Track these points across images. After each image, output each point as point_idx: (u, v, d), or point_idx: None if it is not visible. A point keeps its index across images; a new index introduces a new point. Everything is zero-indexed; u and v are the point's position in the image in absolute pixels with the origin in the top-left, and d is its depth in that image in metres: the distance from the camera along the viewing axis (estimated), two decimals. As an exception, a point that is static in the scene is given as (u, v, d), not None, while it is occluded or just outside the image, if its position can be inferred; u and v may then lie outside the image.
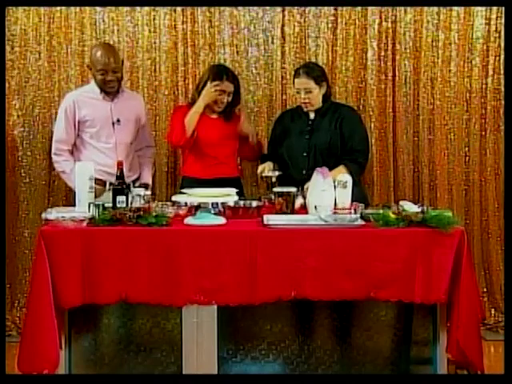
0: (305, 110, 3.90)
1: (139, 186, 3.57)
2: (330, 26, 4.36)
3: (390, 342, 3.24)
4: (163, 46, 4.36)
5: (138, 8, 4.34)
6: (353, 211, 3.19)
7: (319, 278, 2.99)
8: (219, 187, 3.36)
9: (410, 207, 3.15)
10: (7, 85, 4.31)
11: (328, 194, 3.28)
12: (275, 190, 3.48)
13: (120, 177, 3.21)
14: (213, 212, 3.21)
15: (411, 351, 3.26)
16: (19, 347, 2.98)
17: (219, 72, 3.92)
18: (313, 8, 4.35)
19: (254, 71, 4.42)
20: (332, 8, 4.35)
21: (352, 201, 3.31)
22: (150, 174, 4.10)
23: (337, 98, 4.27)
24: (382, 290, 3.01)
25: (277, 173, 3.75)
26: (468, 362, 3.06)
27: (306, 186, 3.46)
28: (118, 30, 4.35)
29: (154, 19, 4.36)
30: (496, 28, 4.35)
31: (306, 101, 3.84)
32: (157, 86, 4.39)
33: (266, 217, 3.16)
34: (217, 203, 3.26)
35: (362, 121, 4.11)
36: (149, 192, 3.45)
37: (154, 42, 4.37)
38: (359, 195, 3.54)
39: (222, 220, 3.16)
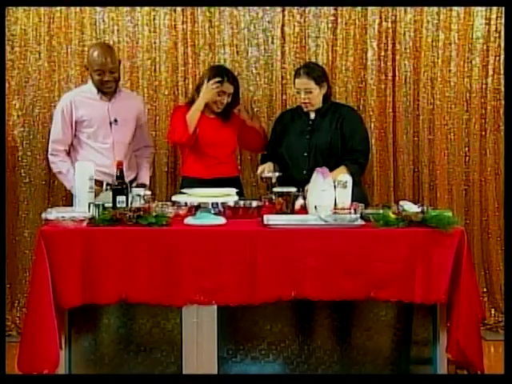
0: (305, 110, 3.90)
1: (136, 186, 3.57)
2: (329, 25, 4.36)
3: (389, 342, 3.24)
4: (163, 45, 4.35)
5: (138, 8, 4.33)
6: (353, 211, 3.19)
7: (319, 277, 3.00)
8: (219, 187, 3.36)
9: (410, 207, 3.15)
10: (7, 85, 4.31)
11: (328, 194, 3.28)
12: (275, 190, 3.49)
13: (120, 177, 3.21)
14: (213, 212, 3.21)
15: (411, 351, 3.26)
16: (19, 347, 2.98)
17: (219, 73, 3.93)
18: (313, 8, 4.35)
19: (254, 71, 4.42)
20: (332, 8, 4.35)
21: (352, 201, 3.31)
22: (148, 174, 4.10)
23: (337, 98, 4.27)
24: (382, 289, 3.01)
25: (277, 174, 3.75)
26: (468, 361, 3.06)
27: (306, 188, 3.46)
28: (117, 30, 4.35)
29: (154, 19, 4.35)
30: (496, 28, 4.35)
31: (306, 101, 3.84)
32: (157, 86, 4.39)
33: (266, 217, 3.17)
34: (217, 203, 3.26)
35: (363, 121, 4.11)
36: (149, 192, 3.45)
37: (154, 42, 4.37)
38: (359, 195, 3.54)
39: (222, 220, 3.16)
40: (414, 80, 4.41)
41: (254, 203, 3.44)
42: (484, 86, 4.40)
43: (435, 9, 4.35)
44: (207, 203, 3.18)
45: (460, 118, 4.42)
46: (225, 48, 4.38)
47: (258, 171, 3.89)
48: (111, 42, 4.28)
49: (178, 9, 4.34)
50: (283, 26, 4.37)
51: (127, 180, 3.50)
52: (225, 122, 4.01)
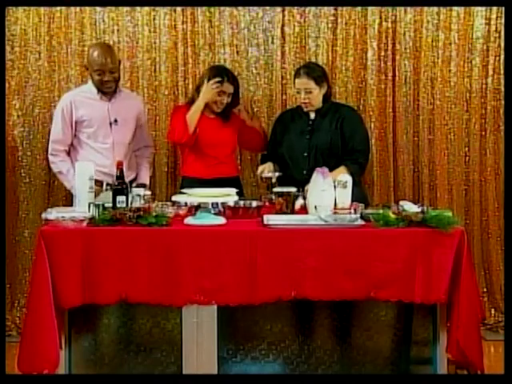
0: (305, 110, 3.90)
1: (136, 187, 3.57)
2: (330, 25, 4.36)
3: (389, 342, 3.24)
4: (163, 45, 4.35)
5: (138, 8, 4.33)
6: (353, 211, 3.19)
7: (319, 277, 3.00)
8: (219, 187, 3.36)
9: (410, 207, 3.15)
10: (7, 85, 4.31)
11: (328, 194, 3.28)
12: (275, 190, 3.49)
13: (120, 177, 3.21)
14: (213, 212, 3.21)
15: (411, 351, 3.26)
16: (19, 347, 2.98)
17: (219, 73, 3.93)
18: (313, 8, 4.35)
19: (254, 71, 4.42)
20: (332, 8, 4.35)
21: (352, 201, 3.31)
22: (148, 174, 4.09)
23: (337, 98, 4.27)
24: (382, 289, 3.01)
25: (277, 174, 3.75)
26: (468, 362, 3.06)
27: (306, 188, 3.46)
28: (118, 30, 4.35)
29: (154, 19, 4.35)
30: (496, 28, 4.35)
31: (306, 101, 3.84)
32: (157, 86, 4.39)
33: (266, 217, 3.17)
34: (217, 203, 3.26)
35: (363, 121, 4.11)
36: (149, 192, 3.45)
37: (154, 42, 4.36)
38: (359, 195, 3.54)
39: (222, 220, 3.16)
40: (414, 80, 4.41)
41: (254, 203, 3.44)
42: (484, 86, 4.40)
43: (435, 9, 4.35)
44: (207, 203, 3.18)
45: (460, 118, 4.42)
46: (225, 48, 4.38)
47: (258, 171, 3.89)
48: (111, 42, 4.28)
49: (178, 9, 4.34)
50: (283, 26, 4.37)
51: (127, 180, 3.50)
52: (225, 122, 4.01)
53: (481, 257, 4.45)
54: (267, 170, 3.82)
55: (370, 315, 3.20)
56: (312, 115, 3.91)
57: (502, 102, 4.31)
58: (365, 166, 3.93)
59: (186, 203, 3.30)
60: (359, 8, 4.34)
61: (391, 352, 3.25)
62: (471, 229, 4.39)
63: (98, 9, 4.33)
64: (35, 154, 4.34)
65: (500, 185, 4.37)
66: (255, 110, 4.34)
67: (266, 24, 4.39)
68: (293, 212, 3.39)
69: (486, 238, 4.46)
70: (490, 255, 4.44)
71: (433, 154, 4.43)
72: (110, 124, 3.87)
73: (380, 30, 4.37)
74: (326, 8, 4.35)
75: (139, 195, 3.30)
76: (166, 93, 4.37)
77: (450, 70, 4.39)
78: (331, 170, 3.51)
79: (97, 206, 3.12)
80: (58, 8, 4.29)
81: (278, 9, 4.35)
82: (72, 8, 4.30)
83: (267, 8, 4.36)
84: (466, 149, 4.45)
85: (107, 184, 3.42)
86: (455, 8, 4.34)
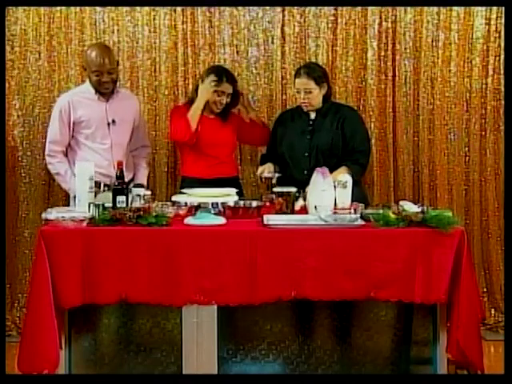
0: (304, 110, 3.90)
1: (134, 187, 3.56)
2: (330, 25, 4.36)
3: (390, 342, 3.24)
4: (163, 45, 4.35)
5: (138, 8, 4.33)
6: (353, 211, 3.19)
7: (319, 277, 3.00)
8: (219, 187, 3.36)
9: (410, 207, 3.15)
10: (7, 85, 4.31)
11: (328, 194, 3.27)
12: (275, 189, 3.48)
13: (120, 177, 3.22)
14: (213, 212, 3.21)
15: (411, 351, 3.26)
16: (19, 347, 2.98)
17: (219, 73, 3.93)
18: (313, 8, 4.35)
19: (254, 71, 4.42)
20: (332, 8, 4.35)
21: (352, 201, 3.31)
22: (145, 174, 4.08)
23: (337, 98, 4.27)
24: (382, 289, 3.01)
25: (277, 175, 3.75)
26: (468, 361, 3.06)
27: (306, 189, 3.45)
28: (118, 30, 4.34)
29: (154, 19, 4.35)
30: (496, 28, 4.35)
31: (306, 101, 3.84)
32: (157, 86, 4.38)
33: (266, 217, 3.17)
34: (217, 203, 3.26)
35: (363, 121, 4.11)
36: (149, 192, 3.45)
37: (154, 42, 4.36)
38: (359, 195, 3.54)
39: (222, 220, 3.16)
40: (414, 80, 4.41)
41: (254, 203, 3.44)
42: (484, 86, 4.40)
43: (435, 9, 4.35)
44: (207, 203, 3.18)
45: (460, 118, 4.42)
46: (225, 48, 4.38)
47: (258, 172, 3.89)
48: (111, 42, 4.28)
49: (178, 9, 4.34)
50: (283, 26, 4.37)
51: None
52: (224, 121, 4.02)
53: (481, 257, 4.45)
54: (267, 171, 3.82)
55: (370, 315, 3.21)
56: (312, 115, 3.91)
57: (502, 102, 4.31)
58: (365, 166, 3.93)
59: (186, 203, 3.30)
60: (359, 8, 4.34)
61: (391, 352, 3.25)
62: (471, 229, 4.39)
63: (98, 9, 4.33)
64: (35, 154, 4.34)
65: (500, 185, 4.37)
66: (255, 109, 4.34)
67: (266, 24, 4.39)
68: (293, 212, 3.39)
69: (485, 238, 4.46)
70: (490, 255, 4.44)
71: (433, 154, 4.42)
72: (108, 124, 3.86)
73: (380, 30, 4.37)
74: (326, 8, 4.34)
75: (139, 195, 3.30)
76: (166, 93, 4.37)
77: (450, 70, 4.39)
78: (332, 170, 3.51)
79: (97, 205, 3.12)
80: (58, 8, 4.29)
81: (278, 9, 4.35)
82: (72, 8, 4.29)
83: (267, 8, 4.36)
84: (466, 149, 4.45)
85: (105, 185, 3.41)
86: (455, 8, 4.34)
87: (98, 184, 3.50)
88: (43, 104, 4.33)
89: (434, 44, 4.38)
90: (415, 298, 3.02)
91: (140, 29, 4.35)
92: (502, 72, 4.34)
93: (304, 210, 3.40)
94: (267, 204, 3.47)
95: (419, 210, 3.10)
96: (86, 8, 4.31)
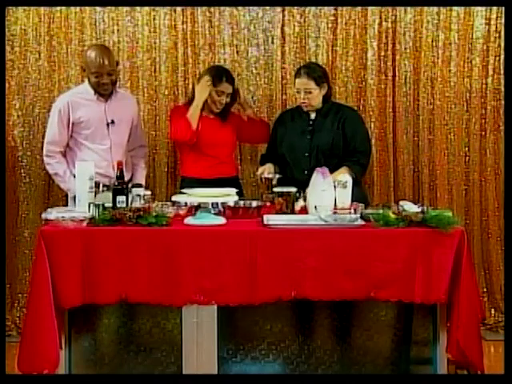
0: (304, 109, 3.90)
1: (132, 187, 3.56)
2: (330, 25, 4.36)
3: (390, 342, 3.24)
4: (163, 45, 4.35)
5: (138, 8, 4.33)
6: (353, 211, 3.19)
7: (319, 277, 3.00)
8: (219, 187, 3.36)
9: (410, 207, 3.16)
10: (7, 85, 4.31)
11: (328, 194, 3.27)
12: (275, 189, 3.48)
13: (120, 177, 3.22)
14: (213, 212, 3.21)
15: (411, 351, 3.26)
16: (19, 347, 2.98)
17: (218, 73, 3.93)
18: (313, 8, 4.35)
19: (254, 71, 4.41)
20: (332, 8, 4.34)
21: (352, 201, 3.31)
22: (144, 174, 4.08)
23: (337, 98, 4.27)
24: (382, 289, 3.01)
25: (277, 175, 3.75)
26: (468, 361, 3.06)
27: (307, 190, 3.45)
28: (118, 30, 4.34)
29: (154, 19, 4.35)
30: (496, 28, 4.35)
31: (306, 101, 3.84)
32: (157, 86, 4.38)
33: (266, 217, 3.17)
34: (217, 203, 3.26)
35: (364, 121, 4.11)
36: (149, 192, 3.45)
37: (154, 42, 4.36)
38: (359, 195, 3.54)
39: (222, 220, 3.16)
40: (414, 80, 4.41)
41: (254, 203, 3.44)
42: (484, 86, 4.40)
43: (435, 9, 4.35)
44: (207, 203, 3.18)
45: (460, 118, 4.42)
46: (225, 48, 4.38)
47: (258, 172, 3.88)
48: (111, 42, 4.28)
49: (178, 9, 4.34)
50: (283, 26, 4.37)
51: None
52: (223, 121, 4.02)
53: (481, 257, 4.45)
54: (267, 172, 3.82)
55: (369, 315, 3.21)
56: (312, 115, 3.91)
57: (502, 102, 4.31)
58: (366, 166, 3.94)
59: (186, 203, 3.30)
60: (359, 8, 4.34)
61: (391, 352, 3.25)
62: (471, 229, 4.39)
63: (98, 9, 4.33)
64: (35, 154, 4.33)
65: (500, 185, 4.37)
66: (255, 109, 4.34)
67: (266, 24, 4.39)
68: (293, 212, 3.39)
69: (485, 238, 4.46)
70: (490, 255, 4.44)
71: (433, 154, 4.42)
72: (107, 125, 3.86)
73: (380, 30, 4.37)
74: (326, 8, 4.34)
75: (139, 195, 3.30)
76: (166, 93, 4.37)
77: (450, 70, 4.39)
78: (332, 170, 3.51)
79: (97, 205, 3.12)
80: (58, 8, 4.29)
81: (278, 9, 4.35)
82: (72, 8, 4.29)
83: (267, 8, 4.36)
84: (466, 149, 4.45)
85: (104, 185, 3.41)
86: (455, 8, 4.34)
87: (96, 184, 3.51)
88: (43, 104, 4.33)
89: (434, 44, 4.38)
90: (415, 298, 3.02)
91: (140, 29, 4.35)
92: (502, 72, 4.34)
93: (304, 211, 3.40)
94: (267, 204, 3.47)
95: (419, 209, 3.11)
96: (86, 8, 4.31)
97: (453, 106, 4.41)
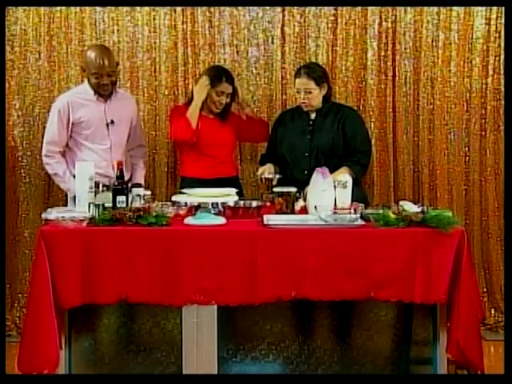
0: (304, 109, 3.90)
1: (132, 187, 3.56)
2: (330, 25, 4.36)
3: (390, 342, 3.24)
4: (163, 45, 4.35)
5: (138, 8, 4.33)
6: (353, 211, 3.19)
7: (319, 277, 3.00)
8: (219, 187, 3.36)
9: (410, 207, 3.15)
10: (7, 85, 4.31)
11: (328, 194, 3.27)
12: (275, 189, 3.48)
13: (120, 177, 3.22)
14: (213, 212, 3.21)
15: (411, 351, 3.26)
16: (19, 347, 2.98)
17: (218, 74, 3.93)
18: (313, 8, 4.35)
19: (254, 71, 4.41)
20: (332, 8, 4.34)
21: (352, 201, 3.31)
22: (143, 174, 4.08)
23: (337, 98, 4.27)
24: (382, 289, 3.01)
25: (277, 176, 3.75)
26: (468, 361, 3.06)
27: (306, 190, 3.45)
28: (118, 30, 4.34)
29: (154, 19, 4.35)
30: (496, 28, 4.35)
31: (305, 101, 3.84)
32: (157, 86, 4.38)
33: (266, 217, 3.17)
34: (217, 203, 3.27)
35: (364, 121, 4.11)
36: (149, 192, 3.45)
37: (154, 42, 4.36)
38: (359, 195, 3.54)
39: (222, 220, 3.16)
40: (414, 80, 4.41)
41: (254, 203, 3.44)
42: (484, 86, 4.40)
43: (435, 9, 4.35)
44: (207, 203, 3.18)
45: (460, 118, 4.42)
46: (225, 48, 4.38)
47: (258, 172, 3.88)
48: (111, 42, 4.28)
49: (178, 9, 4.34)
50: (283, 26, 4.37)
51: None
52: (223, 121, 4.02)
53: (481, 257, 4.45)
54: (267, 172, 3.82)
55: (369, 315, 3.21)
56: (313, 115, 3.91)
57: (502, 102, 4.31)
58: (367, 166, 3.94)
59: (186, 203, 3.30)
60: (359, 8, 4.34)
61: (391, 352, 3.25)
62: (471, 229, 4.39)
63: (98, 9, 4.32)
64: (35, 154, 4.33)
65: (500, 185, 4.37)
66: (255, 109, 4.34)
67: (265, 24, 4.39)
68: (293, 212, 3.39)
69: (485, 238, 4.46)
70: (490, 255, 4.44)
71: (433, 154, 4.42)
72: (107, 125, 3.86)
73: (380, 30, 4.37)
74: (326, 8, 4.34)
75: (139, 195, 3.30)
76: (166, 93, 4.37)
77: (450, 70, 4.39)
78: (332, 170, 3.51)
79: (97, 205, 3.12)
80: (58, 8, 4.29)
81: (278, 9, 4.35)
82: (72, 8, 4.29)
83: (267, 8, 4.36)
84: (466, 149, 4.45)
85: (103, 185, 3.41)
86: (455, 8, 4.34)
87: (96, 184, 3.51)
88: (43, 104, 4.33)
89: (434, 44, 4.38)
90: (415, 298, 3.02)
91: (140, 29, 4.35)
92: (502, 72, 4.34)
93: (304, 211, 3.40)
94: (267, 204, 3.47)
95: (419, 209, 3.11)
96: (86, 8, 4.30)
97: (453, 105, 4.41)
